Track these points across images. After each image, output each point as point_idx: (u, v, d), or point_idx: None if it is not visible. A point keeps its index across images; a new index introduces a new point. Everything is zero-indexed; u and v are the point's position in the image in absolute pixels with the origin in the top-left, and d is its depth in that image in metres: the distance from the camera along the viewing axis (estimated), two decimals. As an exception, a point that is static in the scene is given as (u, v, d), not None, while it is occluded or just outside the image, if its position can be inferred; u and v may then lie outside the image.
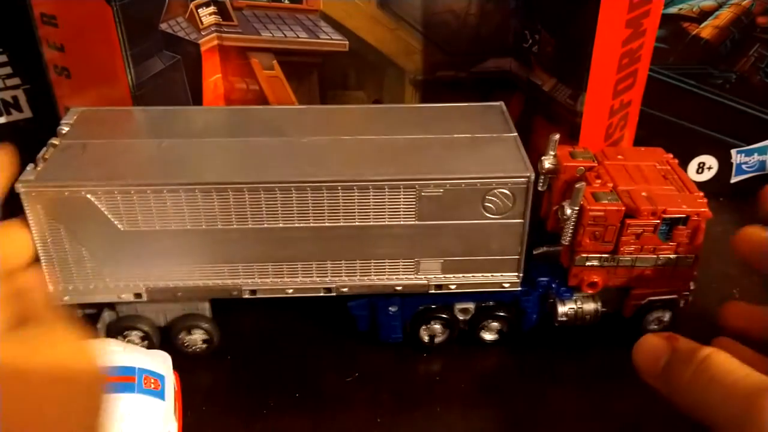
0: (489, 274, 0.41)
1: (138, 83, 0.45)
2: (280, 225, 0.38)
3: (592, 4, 0.43)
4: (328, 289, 0.41)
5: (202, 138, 0.41)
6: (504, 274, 0.41)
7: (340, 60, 0.55)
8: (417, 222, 0.39)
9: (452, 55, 0.55)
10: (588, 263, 0.42)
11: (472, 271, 0.41)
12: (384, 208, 0.38)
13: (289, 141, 0.41)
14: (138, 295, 0.40)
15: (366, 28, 0.54)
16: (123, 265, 0.38)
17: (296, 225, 0.38)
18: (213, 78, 0.55)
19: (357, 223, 0.38)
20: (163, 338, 0.43)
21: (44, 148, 0.38)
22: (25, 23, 0.46)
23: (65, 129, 0.40)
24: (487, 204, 0.39)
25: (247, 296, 0.41)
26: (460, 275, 0.41)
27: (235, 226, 0.38)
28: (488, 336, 0.45)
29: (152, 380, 0.35)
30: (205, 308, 0.42)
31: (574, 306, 0.43)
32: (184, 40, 0.51)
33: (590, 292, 0.43)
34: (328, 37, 0.54)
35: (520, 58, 0.54)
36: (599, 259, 0.42)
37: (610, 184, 0.41)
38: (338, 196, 0.37)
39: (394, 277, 0.41)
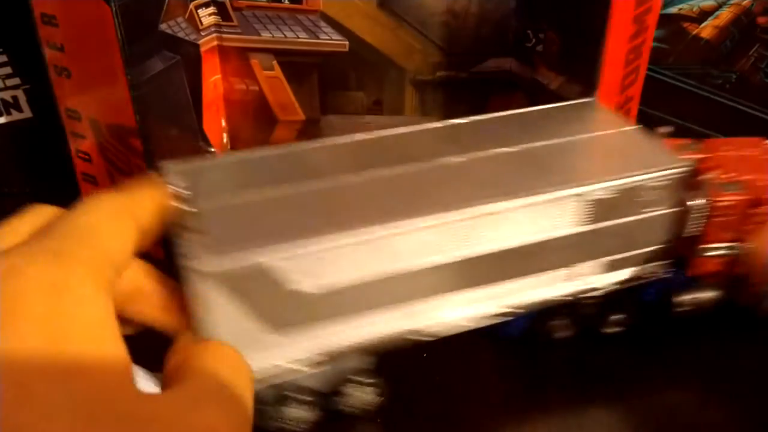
0: (641, 267, 0.40)
1: (138, 84, 0.45)
2: (467, 253, 0.35)
3: (602, 1, 0.42)
4: (502, 314, 0.38)
5: (348, 175, 0.37)
6: (655, 264, 0.40)
7: (340, 60, 0.55)
8: (586, 227, 0.38)
9: (452, 56, 0.55)
10: (710, 253, 0.42)
11: (628, 266, 0.40)
12: (558, 219, 0.37)
13: (431, 166, 0.38)
14: (311, 363, 0.34)
15: (366, 28, 0.54)
16: (299, 332, 0.33)
17: (483, 251, 0.36)
18: (213, 79, 0.55)
19: (534, 239, 0.37)
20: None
21: (178, 217, 0.31)
22: (25, 23, 0.46)
23: (183, 191, 0.33)
24: (641, 199, 0.38)
25: (426, 339, 0.37)
26: (617, 272, 0.40)
27: (426, 264, 0.35)
28: (610, 330, 0.44)
29: None
30: (371, 361, 0.38)
31: (694, 295, 0.43)
32: (183, 41, 0.51)
33: (712, 281, 0.43)
34: (328, 38, 0.54)
35: (522, 57, 0.54)
36: (722, 248, 0.41)
37: (731, 174, 0.41)
38: (526, 215, 0.36)
39: (560, 287, 0.39)
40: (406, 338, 0.36)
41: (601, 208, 0.37)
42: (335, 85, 0.56)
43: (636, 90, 0.49)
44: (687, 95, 0.58)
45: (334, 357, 0.34)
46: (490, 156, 0.39)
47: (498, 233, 0.36)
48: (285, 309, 0.31)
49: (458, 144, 0.40)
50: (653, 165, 0.38)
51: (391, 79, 0.56)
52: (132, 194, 0.28)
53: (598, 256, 0.39)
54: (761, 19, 0.58)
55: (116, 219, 0.26)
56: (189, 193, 0.33)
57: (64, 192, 0.54)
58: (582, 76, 0.47)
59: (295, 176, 0.36)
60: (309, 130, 0.57)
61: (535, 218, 0.36)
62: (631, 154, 0.39)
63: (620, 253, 0.39)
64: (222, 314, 0.30)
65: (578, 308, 0.43)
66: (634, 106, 0.52)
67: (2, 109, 0.56)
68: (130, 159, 0.48)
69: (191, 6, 0.51)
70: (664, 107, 0.57)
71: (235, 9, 0.53)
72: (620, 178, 0.37)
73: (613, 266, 0.40)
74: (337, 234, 0.31)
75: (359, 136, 0.41)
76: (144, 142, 0.47)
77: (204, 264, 0.28)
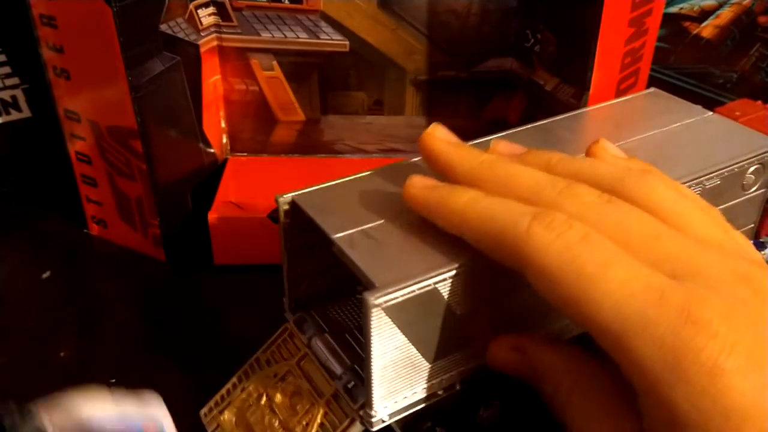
0: None
1: (138, 85, 0.45)
2: None
3: (596, 3, 0.42)
4: None
5: None
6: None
7: (341, 60, 0.54)
8: None
9: (453, 55, 0.55)
10: None
11: None
12: None
13: None
14: (453, 386, 0.34)
15: (367, 28, 0.54)
16: (448, 355, 0.33)
17: None
18: (212, 79, 0.55)
19: None
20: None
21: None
22: (24, 22, 0.46)
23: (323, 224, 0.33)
24: (744, 182, 0.39)
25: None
26: None
27: None
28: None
29: (151, 426, 0.33)
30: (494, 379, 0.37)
31: None
32: (183, 41, 0.51)
33: None
34: (328, 38, 0.54)
35: (522, 57, 0.54)
36: None
37: None
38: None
39: None
40: None
41: (712, 195, 0.37)
42: (336, 85, 0.56)
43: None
44: (688, 95, 0.58)
45: (468, 378, 0.34)
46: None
47: None
48: (435, 332, 0.31)
49: (553, 147, 0.39)
50: (749, 146, 0.38)
51: (392, 79, 0.56)
52: None
53: None
54: (762, 19, 0.58)
55: None
56: (321, 224, 0.32)
57: (64, 191, 0.54)
58: (574, 78, 0.47)
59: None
60: (309, 130, 0.57)
61: None
62: (726, 140, 0.40)
63: None
64: (386, 349, 0.30)
65: None
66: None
67: (1, 108, 0.55)
68: (129, 160, 0.48)
69: (191, 6, 0.51)
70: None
71: (234, 9, 0.53)
72: (727, 163, 0.37)
73: None
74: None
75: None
76: (144, 144, 0.47)
77: (379, 296, 0.28)
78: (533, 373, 0.31)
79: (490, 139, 0.40)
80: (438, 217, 0.30)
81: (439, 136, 0.33)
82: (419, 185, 0.31)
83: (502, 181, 0.30)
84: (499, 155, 0.33)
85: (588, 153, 0.34)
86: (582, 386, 0.29)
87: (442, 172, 0.32)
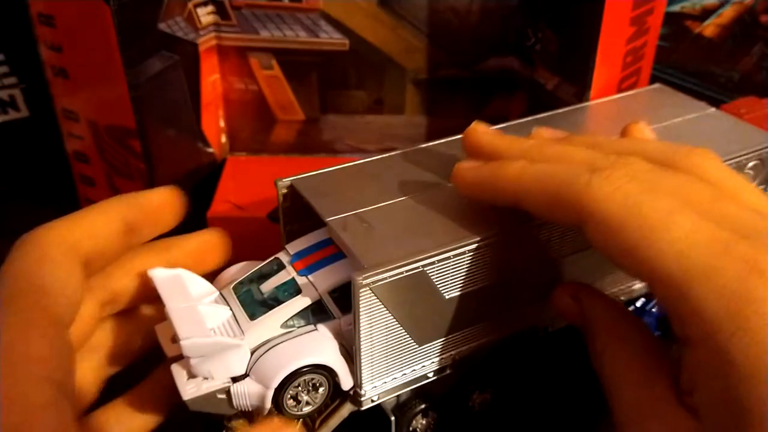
0: None
1: (137, 84, 0.45)
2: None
3: (597, 2, 0.42)
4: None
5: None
6: None
7: (341, 59, 0.54)
8: None
9: (454, 54, 0.55)
10: None
11: None
12: None
13: None
14: (443, 369, 0.34)
15: (366, 27, 0.53)
16: (437, 339, 0.33)
17: None
18: (211, 78, 0.54)
19: None
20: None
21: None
22: (22, 22, 0.46)
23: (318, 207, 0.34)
24: (747, 175, 0.39)
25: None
26: None
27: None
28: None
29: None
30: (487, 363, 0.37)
31: None
32: (182, 40, 0.50)
33: None
34: (328, 37, 0.54)
35: (523, 56, 0.53)
36: None
37: None
38: None
39: None
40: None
41: None
42: (335, 84, 0.55)
43: (638, 92, 0.49)
44: (689, 94, 0.58)
45: (460, 363, 0.35)
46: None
47: None
48: (424, 316, 0.32)
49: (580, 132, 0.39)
50: (748, 142, 0.38)
51: (392, 78, 0.55)
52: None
53: None
54: (764, 18, 0.58)
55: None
56: (316, 206, 0.34)
57: (62, 191, 0.54)
58: (575, 77, 0.47)
59: (409, 185, 0.36)
60: (309, 129, 0.57)
61: None
62: (726, 135, 0.40)
63: None
64: (371, 329, 0.31)
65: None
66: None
67: None
68: (128, 160, 0.48)
69: (190, 5, 0.50)
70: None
71: (234, 8, 0.53)
72: (725, 158, 0.37)
73: None
74: (468, 237, 0.31)
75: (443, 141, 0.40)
76: (143, 143, 0.46)
77: (366, 277, 0.29)
78: (584, 322, 0.31)
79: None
80: (490, 190, 0.31)
81: (483, 130, 0.34)
82: (468, 166, 0.32)
83: (553, 158, 0.30)
84: (543, 139, 0.33)
85: (624, 133, 0.34)
86: (618, 341, 0.29)
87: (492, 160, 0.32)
